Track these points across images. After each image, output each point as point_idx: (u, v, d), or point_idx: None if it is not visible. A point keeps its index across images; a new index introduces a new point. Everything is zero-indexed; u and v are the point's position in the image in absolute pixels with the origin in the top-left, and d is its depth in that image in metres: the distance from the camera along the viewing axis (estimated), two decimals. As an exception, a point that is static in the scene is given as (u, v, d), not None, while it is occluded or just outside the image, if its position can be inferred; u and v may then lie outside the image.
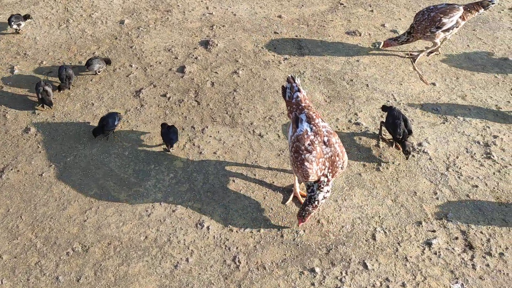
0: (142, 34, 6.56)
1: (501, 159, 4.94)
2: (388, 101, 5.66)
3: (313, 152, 3.94)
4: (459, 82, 5.99)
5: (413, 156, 4.96)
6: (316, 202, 4.04)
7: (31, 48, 6.19)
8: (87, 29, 6.56)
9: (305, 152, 3.95)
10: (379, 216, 4.38)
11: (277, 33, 6.75)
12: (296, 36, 6.71)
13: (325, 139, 4.03)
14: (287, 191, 4.59)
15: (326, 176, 4.00)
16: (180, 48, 6.36)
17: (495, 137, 5.19)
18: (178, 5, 7.18)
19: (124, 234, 4.15)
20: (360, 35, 6.78)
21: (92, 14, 6.84)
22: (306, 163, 3.92)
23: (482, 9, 6.12)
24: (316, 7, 7.37)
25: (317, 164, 3.94)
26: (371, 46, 6.58)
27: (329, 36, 6.74)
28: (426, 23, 5.90)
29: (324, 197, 4.07)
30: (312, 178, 3.96)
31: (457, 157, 4.96)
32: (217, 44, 6.42)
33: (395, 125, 4.83)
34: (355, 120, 5.38)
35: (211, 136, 5.10)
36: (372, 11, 7.34)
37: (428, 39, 6.10)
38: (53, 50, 6.14)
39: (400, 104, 5.61)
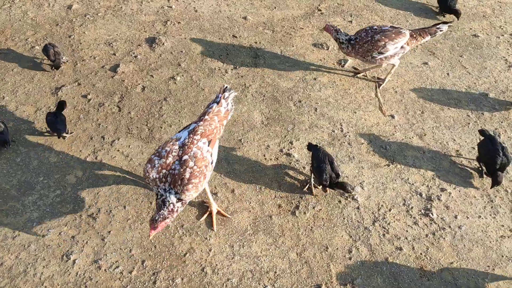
0: (87, 23, 6.03)
1: (441, 218, 4.23)
2: (333, 130, 4.98)
3: (162, 159, 3.58)
4: (423, 117, 5.24)
5: (339, 202, 4.31)
6: (171, 206, 3.50)
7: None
8: (30, 11, 6.08)
9: (156, 154, 3.64)
10: (275, 272, 3.78)
11: (236, 37, 6.11)
12: (256, 42, 6.05)
13: (185, 157, 3.59)
14: (180, 225, 4.03)
15: (167, 191, 3.55)
16: (122, 43, 5.80)
17: (442, 190, 4.47)
18: (138, -6, 6.61)
19: (-18, 256, 3.70)
20: (328, 48, 6.06)
21: (43, -5, 6.35)
22: (148, 164, 3.61)
23: (429, 37, 5.37)
24: (289, 11, 6.66)
25: (158, 173, 3.55)
26: (335, 63, 5.86)
27: (292, 46, 6.05)
28: (369, 46, 5.14)
29: (181, 201, 3.57)
30: (148, 181, 3.61)
31: (390, 210, 4.28)
32: (163, 43, 5.83)
33: (320, 170, 4.17)
34: (288, 149, 4.74)
35: (119, 151, 4.57)
36: (351, 21, 6.58)
37: (366, 63, 5.36)
38: (-15, 32, 5.70)
39: (346, 136, 4.93)
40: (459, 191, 4.48)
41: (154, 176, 3.57)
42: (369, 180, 4.53)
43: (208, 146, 3.73)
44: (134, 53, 5.68)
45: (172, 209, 3.50)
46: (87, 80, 5.25)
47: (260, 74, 5.60)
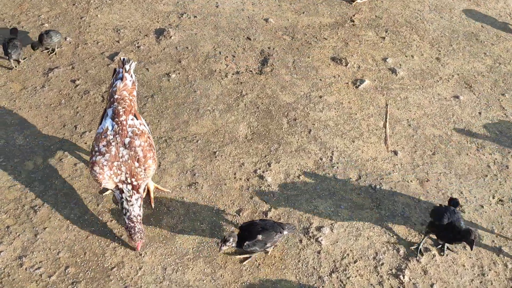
0: (103, 6, 5.92)
1: (413, 284, 3.60)
2: (321, 158, 4.45)
3: (106, 154, 3.41)
4: (432, 160, 4.54)
5: (300, 241, 3.81)
6: (138, 217, 3.46)
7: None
8: (53, -12, 6.08)
9: (97, 154, 3.43)
10: (200, 309, 3.39)
11: (250, 39, 5.70)
12: (269, 47, 5.60)
13: (127, 140, 3.47)
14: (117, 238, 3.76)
15: (126, 183, 3.44)
16: (130, 31, 5.62)
17: (426, 250, 3.82)
18: (165, -18, 6.39)
19: None
20: (346, 65, 5.47)
21: (71, -27, 6.33)
22: (95, 167, 3.40)
23: None
24: (318, 18, 6.12)
25: (110, 169, 3.40)
26: (349, 83, 5.27)
27: (308, 57, 5.54)
28: None
29: (140, 206, 3.52)
30: (106, 184, 3.44)
31: (355, 262, 3.71)
32: (171, 36, 5.56)
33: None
34: (263, 171, 4.29)
35: (86, 143, 4.37)
36: (383, 38, 5.92)
37: None
38: (4, 4, 5.75)
39: (334, 167, 4.39)
40: (446, 255, 3.80)
41: (109, 173, 3.43)
42: (343, 223, 3.97)
43: (137, 119, 3.63)
44: (138, 43, 5.47)
45: (137, 222, 3.47)
46: (81, 65, 5.12)
47: (262, 83, 5.16)
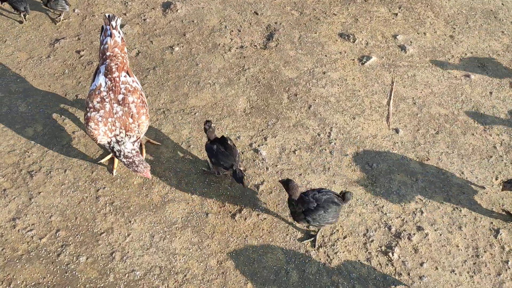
0: (113, -21, 5.93)
1: (402, 262, 3.54)
2: (319, 134, 4.37)
3: (101, 111, 3.50)
4: (435, 139, 4.40)
5: (289, 215, 3.78)
6: (133, 151, 3.58)
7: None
8: (65, -39, 6.12)
9: (91, 110, 3.52)
10: (185, 276, 3.42)
11: (257, 13, 5.62)
12: (276, 22, 5.51)
13: (120, 97, 3.55)
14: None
15: (119, 138, 3.57)
16: (138, 4, 5.62)
17: (419, 229, 3.73)
18: (176, -44, 6.34)
19: None
20: (354, 41, 5.33)
21: None
22: (91, 123, 3.49)
23: None
24: (329, -6, 5.97)
25: (105, 125, 3.50)
26: (355, 59, 5.14)
27: (315, 33, 5.42)
28: None
29: (134, 142, 3.61)
30: (101, 140, 3.54)
31: (344, 238, 3.67)
32: (177, 10, 5.54)
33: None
34: (258, 145, 4.26)
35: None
36: (396, 14, 5.72)
37: None
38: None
39: (331, 143, 4.31)
40: (440, 235, 3.70)
41: (104, 129, 3.51)
42: (336, 199, 3.90)
43: (130, 76, 3.68)
44: (144, 15, 5.47)
45: (133, 156, 3.58)
46: (87, 36, 5.17)
47: (266, 58, 5.09)
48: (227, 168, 3.69)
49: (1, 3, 5.12)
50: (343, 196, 3.42)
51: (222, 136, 3.79)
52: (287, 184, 3.41)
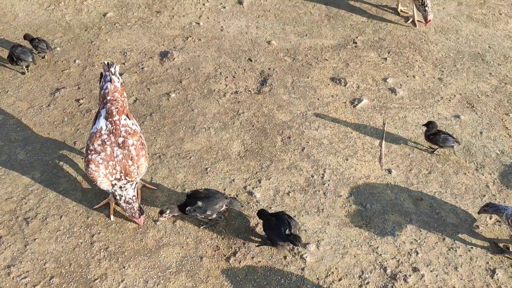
0: (113, 31, 6.19)
1: (398, 305, 3.49)
2: (312, 175, 4.43)
3: (102, 153, 3.58)
4: (428, 179, 4.45)
5: (284, 258, 3.78)
6: (133, 198, 3.72)
7: (5, 24, 6.22)
8: (68, 15, 6.41)
9: (92, 152, 3.60)
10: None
11: (251, 60, 5.82)
12: (269, 68, 5.69)
13: (120, 140, 3.65)
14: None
15: (120, 180, 3.67)
16: (136, 54, 5.84)
17: (415, 270, 3.71)
18: (173, 8, 6.65)
19: None
20: (345, 85, 5.49)
21: (86, 1, 6.68)
22: (91, 165, 3.58)
23: None
24: (321, 40, 6.20)
25: (106, 168, 3.58)
26: (347, 102, 5.28)
27: (307, 78, 5.59)
28: None
29: (134, 188, 3.76)
30: (101, 182, 3.62)
31: (339, 280, 3.64)
32: (174, 58, 5.75)
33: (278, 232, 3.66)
34: (252, 188, 4.31)
35: (83, 159, 4.52)
36: (385, 59, 5.92)
37: None
38: (22, 30, 6.11)
39: (324, 184, 4.36)
40: (436, 276, 3.67)
41: (105, 172, 3.60)
42: (330, 240, 3.91)
43: (130, 119, 3.82)
44: (143, 64, 5.67)
45: (133, 202, 3.74)
46: (87, 85, 5.34)
47: (260, 102, 5.23)
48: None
49: (13, 63, 5.30)
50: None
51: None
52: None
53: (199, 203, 3.71)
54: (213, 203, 3.75)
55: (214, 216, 3.81)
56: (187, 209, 3.74)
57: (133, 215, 3.78)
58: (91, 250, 3.79)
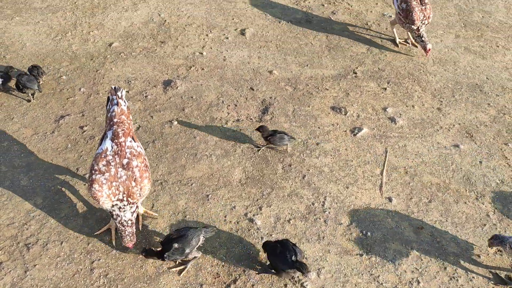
0: (118, 60, 6.33)
1: (400, 335, 3.45)
2: (313, 203, 4.45)
3: (106, 174, 3.63)
4: (428, 207, 4.46)
5: (285, 286, 3.76)
6: (128, 222, 3.72)
7: (13, 52, 6.38)
8: (75, 45, 6.57)
9: (97, 172, 3.65)
10: None
11: (253, 89, 5.92)
12: (271, 97, 5.79)
13: (125, 161, 3.70)
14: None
15: (122, 201, 3.69)
16: (140, 82, 5.95)
17: (416, 299, 3.68)
18: (177, 39, 6.81)
19: None
20: (346, 114, 5.57)
21: (92, 31, 6.86)
22: (95, 185, 3.61)
23: None
24: (321, 70, 6.32)
25: (109, 188, 3.62)
26: (347, 131, 5.34)
27: (308, 107, 5.68)
28: None
29: (133, 212, 3.76)
30: (103, 202, 3.64)
31: (340, 309, 3.60)
32: (177, 87, 5.86)
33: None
34: (253, 215, 4.32)
35: (85, 185, 4.56)
36: (385, 89, 6.02)
37: None
38: (29, 59, 6.25)
39: (325, 212, 4.37)
40: (436, 306, 3.64)
41: (108, 192, 3.64)
42: (331, 268, 3.90)
43: (135, 142, 3.91)
44: (146, 92, 5.78)
45: (127, 225, 3.75)
46: (91, 113, 5.43)
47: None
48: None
49: (19, 91, 5.43)
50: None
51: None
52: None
53: (175, 245, 3.66)
54: (188, 240, 3.71)
55: (194, 252, 3.77)
56: (165, 255, 3.68)
57: (123, 237, 3.78)
58: (90, 277, 3.78)
